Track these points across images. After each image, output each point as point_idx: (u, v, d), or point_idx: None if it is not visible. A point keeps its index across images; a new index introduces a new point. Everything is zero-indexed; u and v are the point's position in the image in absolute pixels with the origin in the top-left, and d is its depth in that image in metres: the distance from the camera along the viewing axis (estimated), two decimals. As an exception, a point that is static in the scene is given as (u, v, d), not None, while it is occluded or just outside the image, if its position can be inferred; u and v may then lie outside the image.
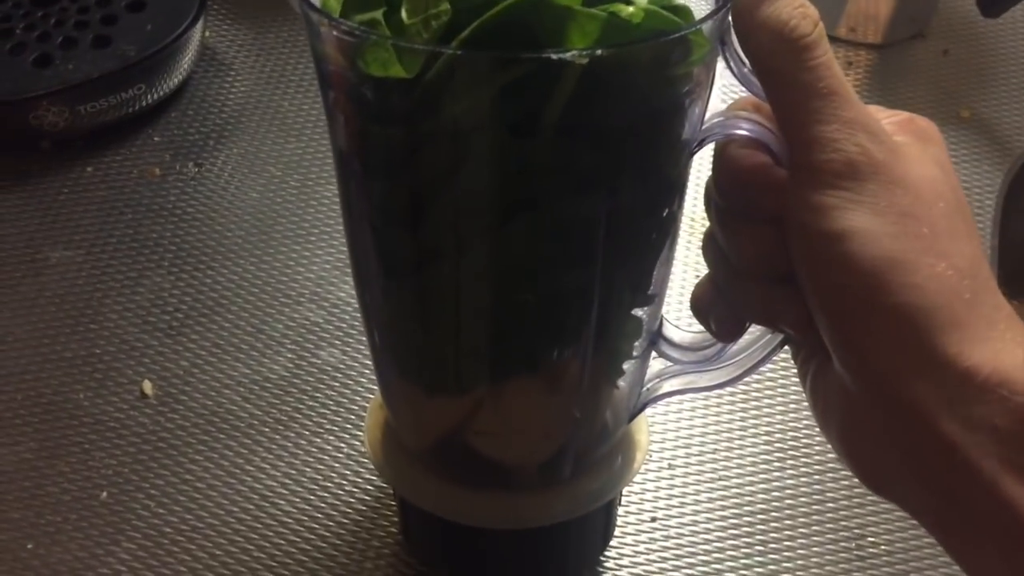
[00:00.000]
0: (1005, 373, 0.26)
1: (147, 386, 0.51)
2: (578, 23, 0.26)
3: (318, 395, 0.51)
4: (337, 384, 0.52)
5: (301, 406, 0.51)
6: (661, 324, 0.37)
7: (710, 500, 0.48)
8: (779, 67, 0.28)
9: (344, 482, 0.48)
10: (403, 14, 0.27)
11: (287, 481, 0.48)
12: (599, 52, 0.26)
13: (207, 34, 0.66)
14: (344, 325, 0.54)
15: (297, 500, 0.48)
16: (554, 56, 0.26)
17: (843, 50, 0.68)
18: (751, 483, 0.49)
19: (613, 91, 0.28)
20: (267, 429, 0.50)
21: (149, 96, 0.61)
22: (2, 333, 0.53)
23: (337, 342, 0.54)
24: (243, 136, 0.62)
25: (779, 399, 0.52)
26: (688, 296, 0.34)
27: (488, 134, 0.28)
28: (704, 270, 0.33)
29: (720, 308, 0.33)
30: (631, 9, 0.27)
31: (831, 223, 0.27)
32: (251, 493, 0.48)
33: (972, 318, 0.27)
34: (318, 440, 0.50)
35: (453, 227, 0.31)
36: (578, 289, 0.32)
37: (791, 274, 0.29)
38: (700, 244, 0.34)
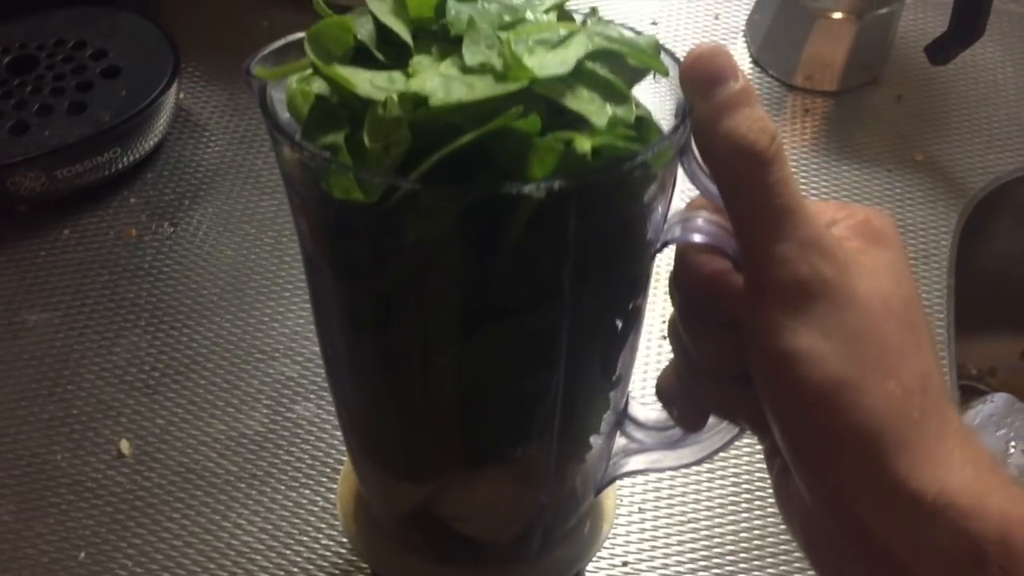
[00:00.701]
0: (951, 496, 0.26)
1: (124, 445, 0.52)
2: (537, 154, 0.27)
3: (294, 449, 0.52)
4: (312, 438, 0.53)
5: (277, 460, 0.52)
6: (627, 403, 0.38)
7: (680, 543, 0.49)
8: (736, 181, 0.28)
9: (320, 535, 0.49)
10: (364, 138, 0.28)
11: (263, 536, 0.49)
12: (556, 185, 0.27)
13: (181, 96, 0.68)
14: (319, 379, 0.55)
15: (273, 555, 0.48)
16: (512, 191, 0.27)
17: (800, 98, 0.70)
18: (720, 525, 0.50)
19: (573, 213, 0.28)
20: (243, 485, 0.51)
21: (125, 159, 0.62)
22: (-20, 396, 0.54)
23: (312, 396, 0.54)
24: (218, 195, 0.64)
25: (747, 441, 0.53)
26: (654, 373, 0.35)
27: (449, 253, 0.29)
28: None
29: (682, 399, 0.34)
30: (587, 145, 0.27)
31: (782, 343, 0.27)
32: (228, 549, 0.49)
33: (921, 437, 0.27)
34: (293, 495, 0.51)
35: (418, 333, 0.32)
36: (543, 387, 0.33)
37: (749, 375, 0.30)
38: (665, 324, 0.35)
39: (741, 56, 0.72)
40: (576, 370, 0.33)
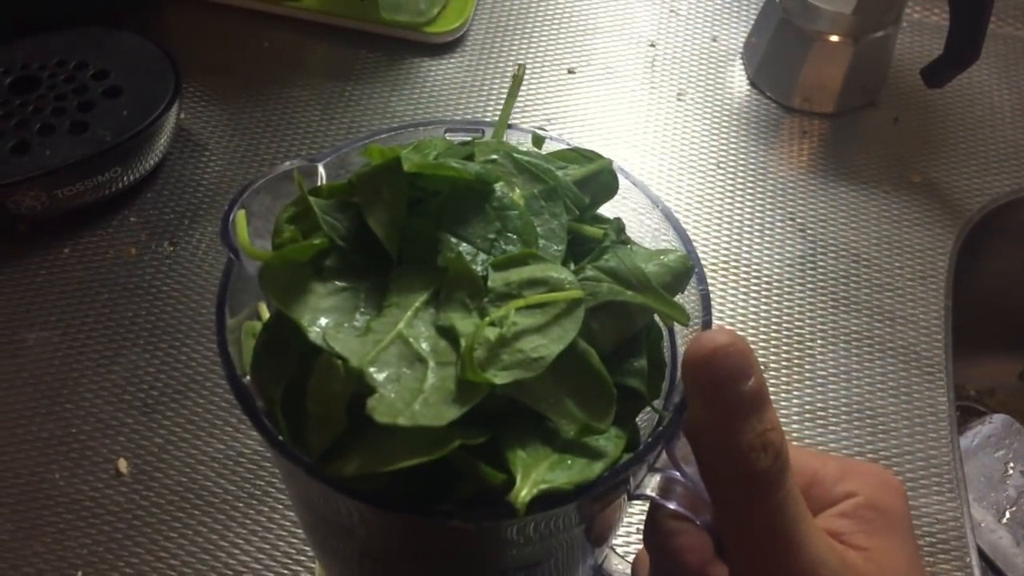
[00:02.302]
0: None
1: (122, 464, 0.52)
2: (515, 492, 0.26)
3: (292, 469, 0.52)
4: (310, 457, 0.53)
5: (275, 480, 0.52)
6: (606, 557, 0.38)
7: None
8: (730, 500, 0.26)
9: (317, 555, 0.49)
10: (308, 402, 0.28)
11: (261, 556, 0.49)
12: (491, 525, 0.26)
13: (182, 116, 0.68)
14: (317, 399, 0.55)
15: (271, 575, 0.48)
16: (484, 523, 0.27)
17: (798, 119, 0.71)
18: None
19: (518, 534, 0.29)
20: (241, 504, 0.51)
21: (125, 178, 0.62)
22: (-22, 415, 0.54)
23: (310, 416, 0.54)
24: (217, 215, 0.64)
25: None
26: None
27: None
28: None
29: None
30: (524, 496, 0.25)
31: None
32: (226, 569, 0.49)
33: None
34: (291, 514, 0.50)
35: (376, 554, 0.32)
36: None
37: None
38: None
39: (738, 78, 0.73)
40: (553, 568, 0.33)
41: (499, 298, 0.28)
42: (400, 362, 0.27)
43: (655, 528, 0.30)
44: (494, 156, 0.32)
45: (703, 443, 0.26)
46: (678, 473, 0.29)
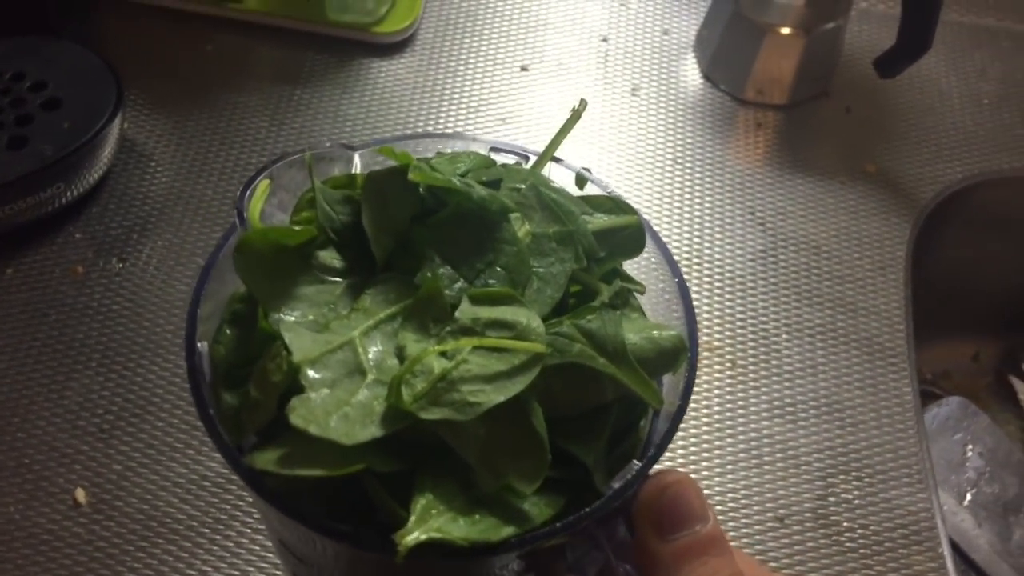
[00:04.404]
0: None
1: (80, 494, 0.50)
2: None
3: (258, 490, 0.51)
4: (277, 478, 0.51)
5: (241, 503, 0.50)
6: None
7: None
8: None
9: (289, 579, 0.48)
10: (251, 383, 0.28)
11: (231, 583, 0.48)
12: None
13: (126, 126, 0.66)
14: (280, 416, 0.54)
15: (242, 602, 0.47)
16: (366, 551, 0.26)
17: (752, 112, 0.71)
18: None
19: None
20: (207, 530, 0.49)
21: (68, 194, 0.60)
22: (-76, 449, 0.51)
23: (274, 434, 0.53)
24: (167, 228, 0.62)
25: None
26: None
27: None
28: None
29: None
30: (408, 541, 0.25)
31: None
32: (194, 598, 0.47)
33: None
34: (260, 538, 0.49)
35: None
36: None
37: None
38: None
39: (691, 72, 0.73)
40: None
41: (461, 331, 0.27)
42: (340, 368, 0.26)
43: None
44: (521, 185, 0.31)
45: None
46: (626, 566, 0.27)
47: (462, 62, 0.72)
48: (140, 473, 0.51)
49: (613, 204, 0.33)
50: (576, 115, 0.33)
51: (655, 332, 0.29)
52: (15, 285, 0.59)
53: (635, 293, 0.33)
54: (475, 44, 0.74)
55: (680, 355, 0.29)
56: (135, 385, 0.55)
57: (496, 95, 0.70)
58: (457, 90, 0.70)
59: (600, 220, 0.32)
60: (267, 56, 0.71)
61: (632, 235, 0.32)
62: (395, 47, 0.72)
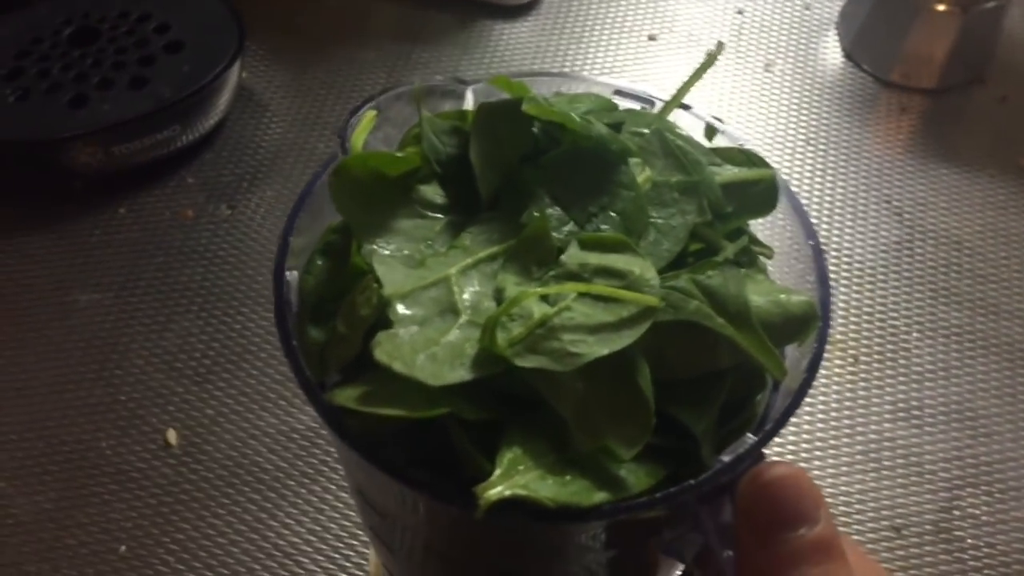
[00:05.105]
0: None
1: (171, 435, 0.50)
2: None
3: (346, 448, 0.49)
4: (366, 436, 0.50)
5: (328, 459, 0.49)
6: None
7: None
8: None
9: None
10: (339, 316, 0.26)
11: (311, 538, 0.46)
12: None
13: (244, 75, 0.66)
14: (375, 375, 0.52)
15: (322, 559, 0.46)
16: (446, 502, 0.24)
17: (896, 95, 0.66)
18: None
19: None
20: (292, 483, 0.48)
21: (184, 137, 0.60)
22: (27, 378, 0.52)
23: (367, 392, 0.52)
24: (277, 178, 0.61)
25: (830, 461, 0.49)
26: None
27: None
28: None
29: None
30: (491, 495, 0.22)
31: None
32: (274, 550, 0.46)
33: None
34: (344, 495, 0.48)
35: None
36: None
37: None
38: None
39: (832, 49, 0.68)
40: None
41: (566, 276, 0.25)
42: (432, 306, 0.24)
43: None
44: (645, 130, 0.28)
45: None
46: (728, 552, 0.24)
47: (587, 28, 0.69)
48: (232, 420, 0.51)
49: (745, 158, 0.30)
50: (711, 59, 0.30)
51: (783, 296, 0.26)
52: (126, 224, 0.59)
53: (762, 257, 0.29)
54: (602, 10, 0.71)
55: (811, 324, 0.26)
56: (234, 332, 0.54)
57: (621, 64, 0.67)
58: (580, 58, 0.67)
59: (729, 172, 0.29)
60: (388, 13, 0.70)
61: (764, 191, 0.29)
62: (519, 10, 0.70)
